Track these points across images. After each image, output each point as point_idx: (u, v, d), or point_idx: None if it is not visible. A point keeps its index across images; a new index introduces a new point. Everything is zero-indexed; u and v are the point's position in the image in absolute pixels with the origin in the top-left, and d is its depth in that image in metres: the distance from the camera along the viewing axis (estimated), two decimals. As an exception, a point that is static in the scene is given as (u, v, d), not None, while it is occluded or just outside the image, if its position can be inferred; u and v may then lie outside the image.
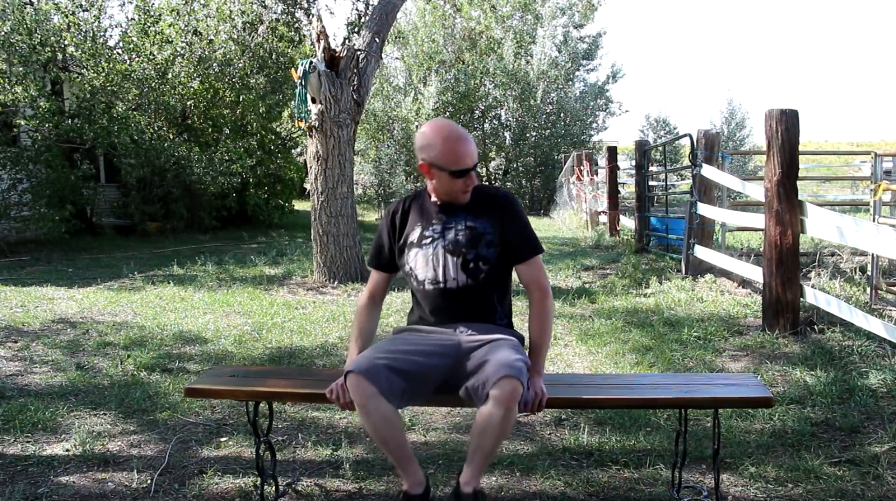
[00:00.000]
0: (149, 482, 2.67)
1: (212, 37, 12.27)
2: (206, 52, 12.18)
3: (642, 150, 9.01)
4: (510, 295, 2.49)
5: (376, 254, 2.53)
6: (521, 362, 2.16)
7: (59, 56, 10.87)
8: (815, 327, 4.69)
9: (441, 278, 2.35)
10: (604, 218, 11.43)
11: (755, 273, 5.34)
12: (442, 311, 2.38)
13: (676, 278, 6.80)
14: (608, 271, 7.65)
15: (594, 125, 21.91)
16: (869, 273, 5.61)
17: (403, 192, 17.68)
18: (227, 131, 13.06)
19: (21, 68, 9.79)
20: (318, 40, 7.13)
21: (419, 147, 2.34)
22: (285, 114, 14.35)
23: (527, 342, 2.44)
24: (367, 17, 8.85)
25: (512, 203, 2.41)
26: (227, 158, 11.96)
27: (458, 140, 2.28)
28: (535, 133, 20.60)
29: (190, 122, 13.17)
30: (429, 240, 2.38)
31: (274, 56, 13.16)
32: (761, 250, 5.36)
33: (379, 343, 2.37)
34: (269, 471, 2.57)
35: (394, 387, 2.15)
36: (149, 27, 11.30)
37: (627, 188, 13.24)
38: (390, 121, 19.05)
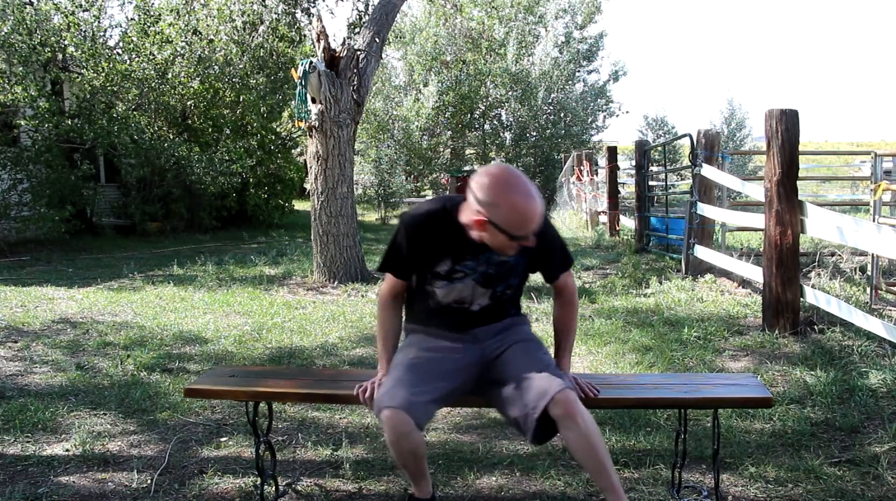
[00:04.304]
0: (149, 482, 2.67)
1: (212, 37, 12.27)
2: (206, 53, 12.18)
3: (642, 150, 9.01)
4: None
5: (397, 265, 2.32)
6: (552, 362, 2.19)
7: (59, 56, 10.87)
8: (815, 327, 4.69)
9: (466, 303, 2.30)
10: (604, 218, 11.43)
11: (755, 273, 5.34)
12: (459, 324, 2.33)
13: (676, 278, 6.80)
14: (608, 271, 7.65)
15: (594, 125, 21.93)
16: (869, 273, 5.61)
17: (403, 192, 17.67)
18: (227, 131, 13.06)
19: (21, 68, 9.79)
20: (318, 40, 7.13)
21: (481, 200, 2.04)
22: (285, 114, 14.35)
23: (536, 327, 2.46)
24: (368, 17, 8.86)
25: (547, 234, 2.24)
26: (227, 158, 11.96)
27: (527, 205, 2.01)
28: (535, 133, 20.62)
29: (190, 122, 13.17)
30: (460, 276, 2.26)
31: (274, 56, 13.16)
32: (761, 250, 5.36)
33: (404, 363, 2.25)
34: (269, 471, 2.57)
35: (428, 415, 2.14)
36: (149, 27, 11.30)
37: (627, 188, 13.24)
38: (390, 121, 19.06)
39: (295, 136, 14.90)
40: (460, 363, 2.26)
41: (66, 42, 10.60)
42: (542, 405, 2.04)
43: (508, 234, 2.04)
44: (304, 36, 12.93)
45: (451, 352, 2.29)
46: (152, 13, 11.49)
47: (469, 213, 2.11)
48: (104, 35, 11.27)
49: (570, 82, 20.89)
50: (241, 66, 12.72)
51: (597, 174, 12.65)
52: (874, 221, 5.26)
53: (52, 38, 10.27)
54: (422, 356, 2.28)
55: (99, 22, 11.04)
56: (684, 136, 7.55)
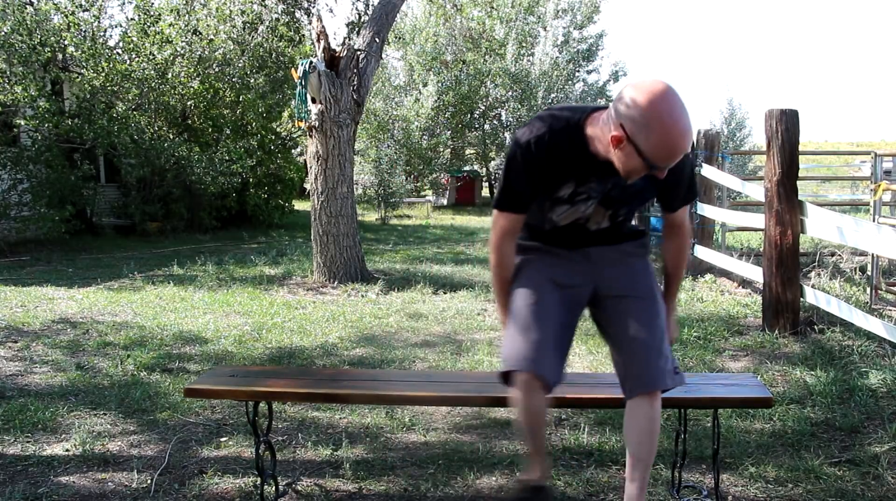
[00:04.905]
0: (149, 482, 2.67)
1: (212, 37, 12.27)
2: (206, 52, 12.18)
3: (642, 150, 9.00)
4: None
5: (519, 199, 2.03)
6: (664, 334, 2.05)
7: (59, 56, 10.86)
8: (815, 327, 4.69)
9: (583, 220, 2.09)
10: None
11: (755, 273, 5.34)
12: (572, 241, 2.13)
13: (676, 278, 6.79)
14: (608, 271, 7.64)
15: (594, 125, 21.91)
16: (869, 273, 5.61)
17: (403, 192, 17.63)
18: (227, 131, 13.05)
19: (21, 68, 9.78)
20: (318, 40, 7.13)
21: (630, 115, 1.76)
22: (285, 114, 14.35)
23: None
24: (368, 17, 8.85)
25: (685, 161, 1.96)
26: (227, 158, 11.96)
27: (682, 137, 1.75)
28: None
29: (190, 122, 13.16)
30: (583, 197, 2.02)
31: (274, 56, 13.15)
32: (761, 250, 5.36)
33: (525, 309, 2.05)
34: (269, 471, 2.56)
35: (559, 374, 2.04)
36: (149, 27, 11.30)
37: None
38: (390, 121, 19.06)
39: (295, 136, 14.89)
40: (577, 295, 2.12)
41: (66, 42, 10.59)
42: (639, 390, 2.00)
43: (647, 161, 1.78)
44: (304, 36, 12.93)
45: (569, 280, 2.12)
46: (152, 13, 11.48)
47: (606, 125, 1.83)
48: (104, 35, 11.27)
49: (569, 82, 20.89)
50: (240, 65, 12.72)
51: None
52: (874, 221, 5.26)
53: (52, 38, 10.27)
54: (541, 294, 2.08)
55: (99, 22, 11.03)
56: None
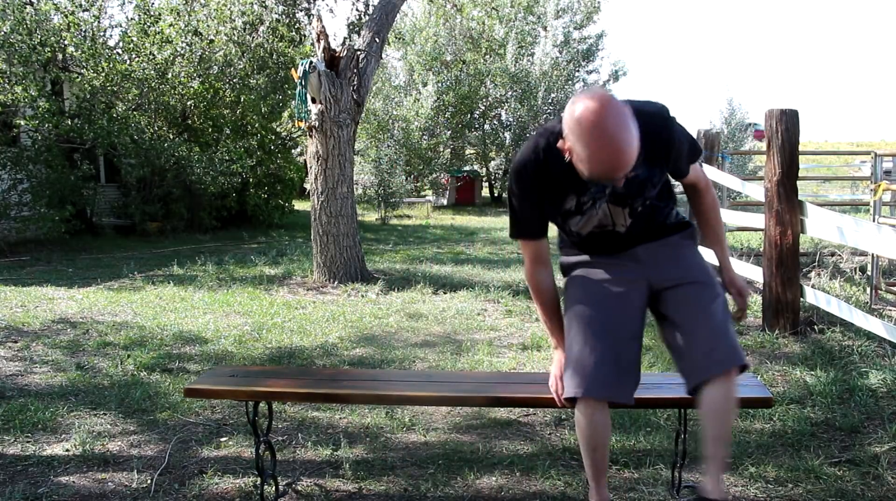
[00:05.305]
0: (149, 482, 2.67)
1: (212, 37, 12.27)
2: (207, 53, 12.18)
3: (642, 150, 8.98)
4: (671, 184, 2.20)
5: (528, 225, 2.10)
6: (725, 316, 2.02)
7: (59, 56, 10.86)
8: (815, 327, 4.69)
9: (609, 225, 2.07)
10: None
11: (755, 273, 5.34)
12: (614, 246, 2.12)
13: (676, 278, 6.79)
14: (608, 271, 7.63)
15: (594, 125, 21.91)
16: (869, 273, 5.61)
17: (403, 192, 17.62)
18: (228, 131, 13.06)
19: (21, 68, 9.78)
20: (318, 40, 7.14)
21: (568, 127, 1.81)
22: (285, 114, 14.35)
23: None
24: (368, 17, 8.86)
25: (672, 133, 1.97)
26: (227, 158, 11.95)
27: (613, 156, 1.75)
28: (535, 133, 20.67)
29: (190, 122, 13.16)
30: (589, 204, 2.02)
31: (274, 56, 13.16)
32: (761, 250, 5.36)
33: (580, 326, 2.04)
34: (269, 471, 2.56)
35: (628, 388, 2.01)
36: (149, 27, 11.30)
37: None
38: (390, 121, 19.06)
39: (295, 136, 14.89)
40: (634, 297, 2.08)
41: (66, 42, 10.59)
42: (709, 375, 1.96)
43: (588, 174, 1.82)
44: (304, 36, 12.93)
45: (620, 287, 2.08)
46: (152, 13, 11.49)
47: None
48: (104, 35, 11.27)
49: (569, 82, 20.90)
50: (241, 66, 12.72)
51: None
52: (874, 221, 5.26)
53: (52, 38, 10.27)
54: (595, 311, 2.06)
55: (99, 22, 11.04)
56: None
